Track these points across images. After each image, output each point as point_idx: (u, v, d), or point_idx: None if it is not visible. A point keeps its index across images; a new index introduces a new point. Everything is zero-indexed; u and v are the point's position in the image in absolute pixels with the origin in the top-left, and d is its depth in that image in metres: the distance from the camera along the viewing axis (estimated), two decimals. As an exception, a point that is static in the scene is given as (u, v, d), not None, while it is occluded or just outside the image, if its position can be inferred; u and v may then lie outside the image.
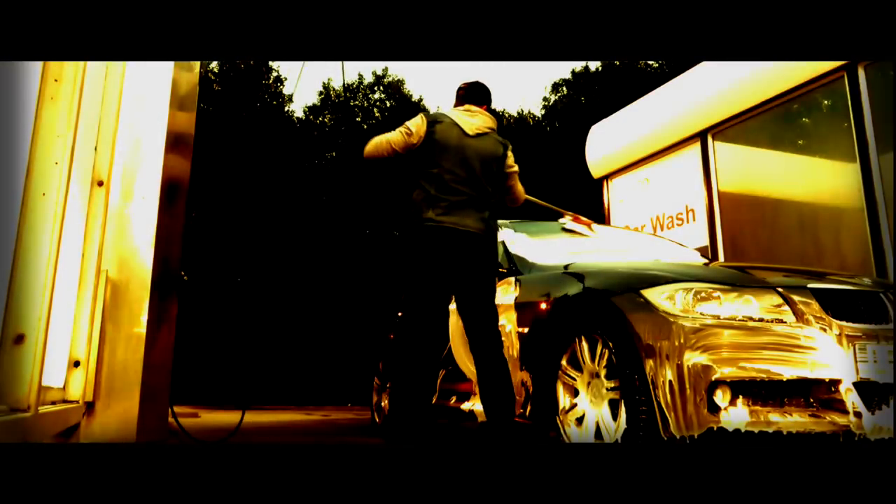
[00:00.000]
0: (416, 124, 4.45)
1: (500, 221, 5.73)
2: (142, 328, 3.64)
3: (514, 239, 5.36)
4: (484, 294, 4.34)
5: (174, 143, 4.07)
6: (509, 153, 4.65)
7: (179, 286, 4.46)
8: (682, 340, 3.32)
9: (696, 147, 7.94)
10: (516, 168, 4.69)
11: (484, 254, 4.35)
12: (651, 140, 8.59)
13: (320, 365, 21.38)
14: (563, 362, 4.11)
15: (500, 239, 5.44)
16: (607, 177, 9.55)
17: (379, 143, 4.46)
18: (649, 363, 3.39)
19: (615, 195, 9.44)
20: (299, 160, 25.37)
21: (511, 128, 29.24)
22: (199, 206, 21.39)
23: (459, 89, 4.79)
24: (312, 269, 23.24)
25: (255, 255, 22.80)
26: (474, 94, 4.71)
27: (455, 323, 4.78)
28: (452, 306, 4.41)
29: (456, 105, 4.73)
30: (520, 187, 4.76)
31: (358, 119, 28.85)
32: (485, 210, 4.40)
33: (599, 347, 3.84)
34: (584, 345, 3.95)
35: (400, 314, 4.27)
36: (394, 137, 4.44)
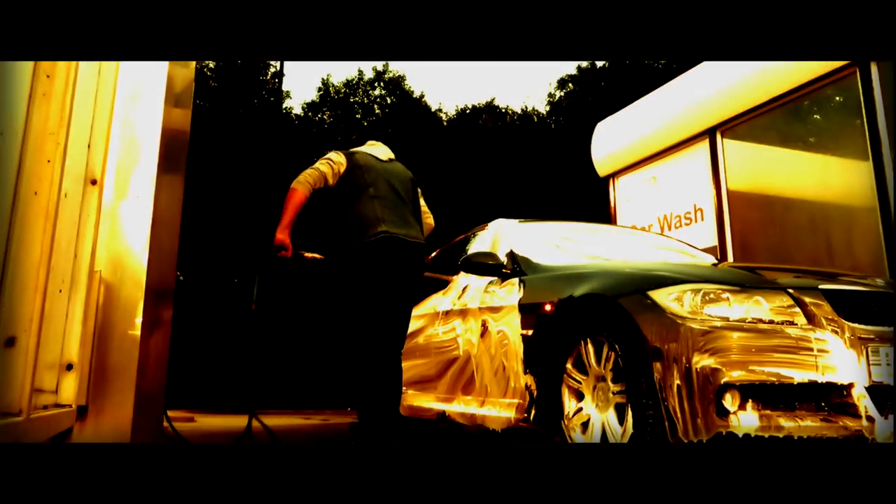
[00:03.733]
0: (336, 156, 4.95)
1: (504, 220, 5.75)
2: (136, 330, 3.63)
3: (518, 239, 5.34)
4: (412, 301, 4.97)
5: (169, 140, 4.06)
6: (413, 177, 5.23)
7: (175, 287, 4.46)
8: (690, 343, 3.31)
9: (704, 145, 7.93)
10: (419, 191, 5.26)
11: (421, 264, 4.93)
12: (658, 137, 8.58)
13: (320, 368, 21.36)
14: (569, 366, 4.10)
15: (505, 238, 5.45)
16: (613, 175, 9.54)
17: (312, 176, 4.85)
18: (657, 366, 3.38)
19: (621, 194, 9.43)
20: (297, 158, 25.38)
21: (515, 125, 29.24)
22: (195, 205, 21.40)
23: (354, 139, 5.48)
24: (311, 270, 23.22)
25: (252, 256, 22.79)
26: (370, 133, 5.45)
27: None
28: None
29: (356, 147, 5.26)
30: (427, 207, 5.39)
31: (358, 116, 28.85)
32: (419, 222, 5.04)
33: (605, 350, 3.83)
34: (590, 347, 3.95)
35: (354, 328, 4.67)
36: (324, 168, 4.88)
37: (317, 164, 4.88)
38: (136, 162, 3.81)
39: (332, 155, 4.95)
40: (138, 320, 3.67)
